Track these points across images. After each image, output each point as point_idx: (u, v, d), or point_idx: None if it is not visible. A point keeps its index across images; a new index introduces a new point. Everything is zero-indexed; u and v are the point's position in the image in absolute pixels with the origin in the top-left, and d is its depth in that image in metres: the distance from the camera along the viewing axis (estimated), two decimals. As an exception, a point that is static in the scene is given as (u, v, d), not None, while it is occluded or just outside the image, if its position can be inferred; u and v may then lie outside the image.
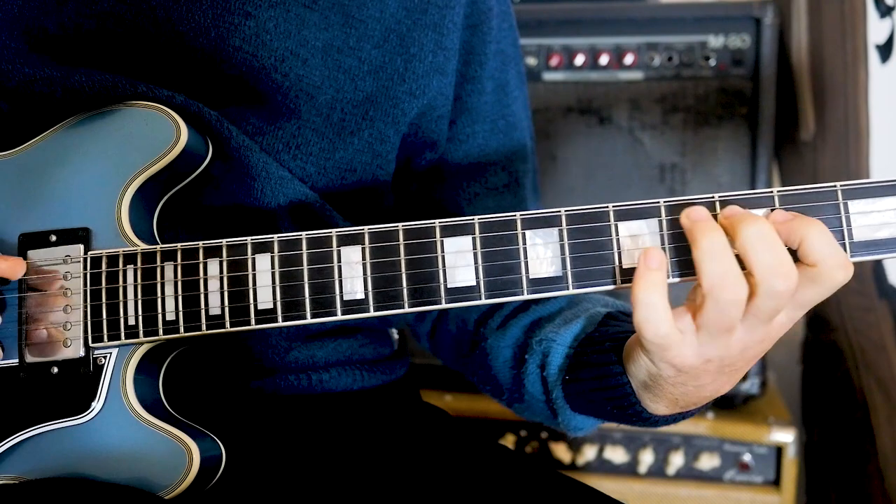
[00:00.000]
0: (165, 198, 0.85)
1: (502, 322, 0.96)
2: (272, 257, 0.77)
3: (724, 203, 0.72)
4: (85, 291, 0.80)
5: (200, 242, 0.79)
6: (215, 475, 0.80)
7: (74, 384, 0.79)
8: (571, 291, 0.74)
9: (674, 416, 0.81)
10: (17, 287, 0.81)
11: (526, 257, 0.75)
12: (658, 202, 0.74)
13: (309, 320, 0.77)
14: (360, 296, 0.76)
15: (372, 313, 0.76)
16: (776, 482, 1.62)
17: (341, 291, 0.76)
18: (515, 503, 0.85)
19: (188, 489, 0.77)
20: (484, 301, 0.75)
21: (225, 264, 0.78)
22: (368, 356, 0.98)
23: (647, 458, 1.64)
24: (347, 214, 0.94)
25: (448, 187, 1.02)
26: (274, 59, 0.86)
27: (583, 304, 0.92)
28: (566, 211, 0.74)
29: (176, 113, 0.82)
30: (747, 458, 1.62)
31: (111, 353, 0.80)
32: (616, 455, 1.66)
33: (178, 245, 0.79)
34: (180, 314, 0.78)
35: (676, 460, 1.63)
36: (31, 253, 0.81)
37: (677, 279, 0.73)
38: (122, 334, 0.79)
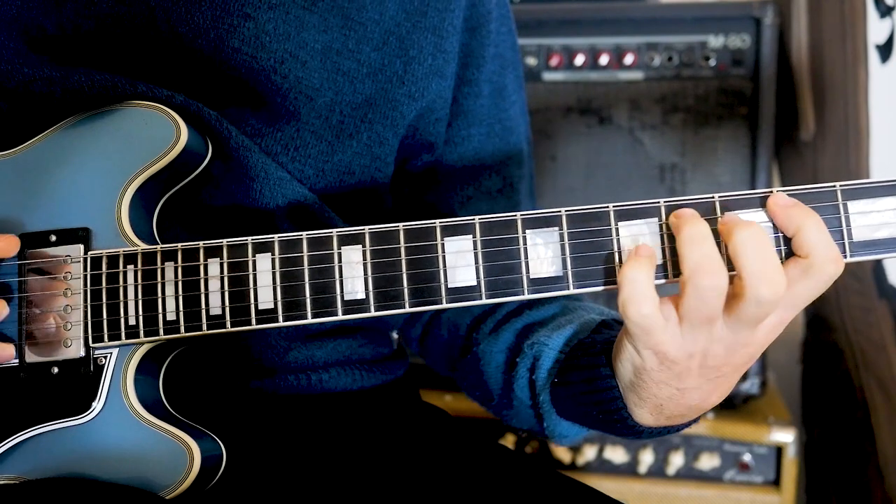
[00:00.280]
0: (165, 197, 0.85)
1: (495, 327, 0.96)
2: (273, 257, 0.77)
3: (723, 203, 0.72)
4: (85, 291, 0.80)
5: (201, 242, 0.79)
6: (216, 475, 0.80)
7: (75, 384, 0.79)
8: (572, 291, 0.74)
9: (658, 429, 0.81)
10: (18, 287, 0.81)
11: (526, 257, 0.75)
12: (658, 202, 0.74)
13: (310, 320, 0.77)
14: (361, 296, 0.76)
15: (373, 313, 0.76)
16: (776, 482, 1.62)
17: (342, 291, 0.76)
18: (515, 503, 0.85)
19: (189, 489, 0.77)
20: (485, 301, 0.75)
21: (225, 264, 0.78)
22: (368, 356, 0.98)
23: (647, 458, 1.64)
24: (346, 216, 0.94)
25: (442, 190, 1.02)
26: (273, 61, 0.86)
27: (577, 311, 0.92)
28: (566, 211, 0.74)
29: (176, 112, 0.82)
30: (747, 458, 1.62)
31: (112, 353, 0.80)
32: (616, 455, 1.66)
33: (179, 245, 0.79)
34: (181, 314, 0.78)
35: (676, 460, 1.63)
36: (30, 253, 0.81)
37: (677, 279, 0.73)
38: (123, 334, 0.79)
